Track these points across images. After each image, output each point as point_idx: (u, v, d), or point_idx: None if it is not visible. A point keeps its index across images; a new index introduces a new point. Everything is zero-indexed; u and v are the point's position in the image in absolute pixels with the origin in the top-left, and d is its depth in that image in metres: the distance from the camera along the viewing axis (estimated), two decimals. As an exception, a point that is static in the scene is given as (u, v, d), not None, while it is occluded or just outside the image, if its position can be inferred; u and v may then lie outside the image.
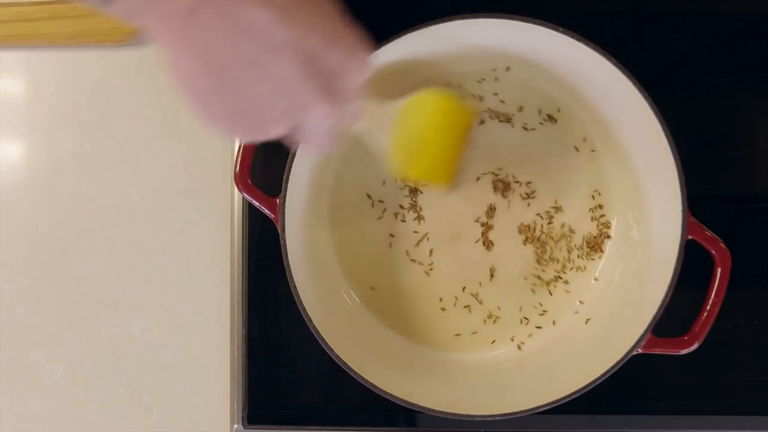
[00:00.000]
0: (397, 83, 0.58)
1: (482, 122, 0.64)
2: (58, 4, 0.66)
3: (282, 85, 0.39)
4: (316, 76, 0.40)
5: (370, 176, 0.65)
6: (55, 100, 0.69)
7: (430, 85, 0.60)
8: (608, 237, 0.64)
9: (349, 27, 0.42)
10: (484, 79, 0.64)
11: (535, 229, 0.64)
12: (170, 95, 0.68)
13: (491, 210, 0.64)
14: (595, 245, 0.64)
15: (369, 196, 0.65)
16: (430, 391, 0.60)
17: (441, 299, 0.65)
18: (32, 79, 0.69)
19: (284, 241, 0.57)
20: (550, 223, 0.64)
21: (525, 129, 0.64)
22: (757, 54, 0.66)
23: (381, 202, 0.65)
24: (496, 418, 0.57)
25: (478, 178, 0.64)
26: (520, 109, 0.64)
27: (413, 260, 0.65)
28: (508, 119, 0.64)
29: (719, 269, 0.57)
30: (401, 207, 0.65)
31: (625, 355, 0.57)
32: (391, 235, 0.65)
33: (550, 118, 0.64)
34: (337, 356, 0.57)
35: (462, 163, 0.63)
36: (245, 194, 0.58)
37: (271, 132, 0.42)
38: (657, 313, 0.57)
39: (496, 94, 0.64)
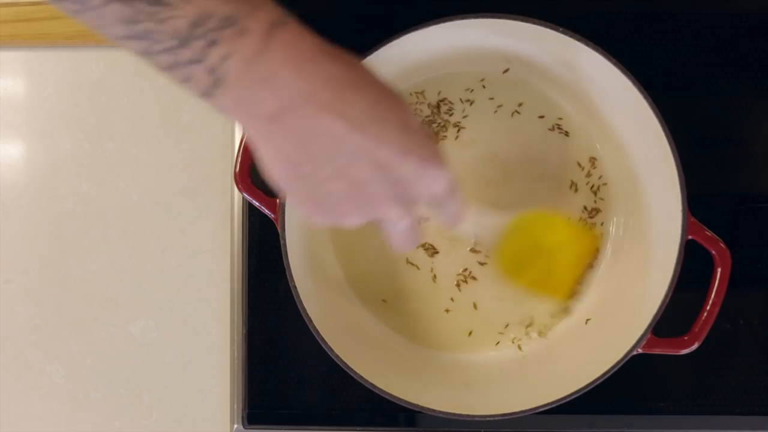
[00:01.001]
0: (397, 83, 0.58)
1: (481, 121, 0.64)
2: (58, 4, 0.66)
3: (354, 187, 0.42)
4: (389, 182, 0.42)
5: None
6: (55, 100, 0.69)
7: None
8: (608, 237, 0.64)
9: (429, 140, 0.44)
10: (483, 79, 0.64)
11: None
12: (170, 95, 0.68)
13: (491, 210, 0.64)
14: (594, 245, 0.64)
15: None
16: (429, 390, 0.60)
17: (441, 300, 0.65)
18: (32, 79, 0.69)
19: (284, 241, 0.57)
20: (550, 223, 0.65)
21: (524, 128, 0.64)
22: (757, 54, 0.66)
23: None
24: (496, 418, 0.57)
25: (477, 179, 0.64)
26: (519, 109, 0.64)
27: (413, 260, 0.65)
28: (506, 118, 0.64)
29: (719, 269, 0.57)
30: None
31: (625, 355, 0.57)
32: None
33: (549, 119, 0.64)
34: (337, 356, 0.57)
35: (578, 284, 0.64)
36: (245, 194, 0.58)
37: (346, 222, 0.45)
38: (657, 313, 0.57)
39: (495, 94, 0.64)
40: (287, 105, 0.39)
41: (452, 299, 0.65)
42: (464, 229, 0.56)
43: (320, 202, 0.44)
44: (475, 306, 0.65)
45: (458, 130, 0.64)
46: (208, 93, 0.39)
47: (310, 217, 0.46)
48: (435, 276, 0.65)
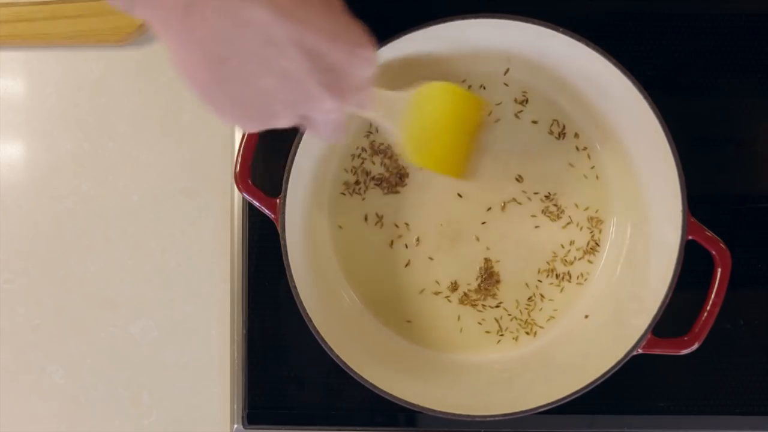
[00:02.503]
0: (398, 83, 0.58)
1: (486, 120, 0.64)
2: (58, 4, 0.66)
3: (285, 80, 0.39)
4: (319, 71, 0.40)
5: (370, 176, 0.65)
6: (55, 100, 0.69)
7: (434, 78, 0.60)
8: (608, 237, 0.64)
9: (354, 23, 0.41)
10: (484, 79, 0.64)
11: (534, 228, 0.64)
12: (170, 95, 0.68)
13: (491, 210, 0.64)
14: (594, 245, 0.64)
15: (369, 196, 0.65)
16: (430, 391, 0.60)
17: (441, 300, 0.65)
18: (32, 79, 0.69)
19: (284, 241, 0.57)
20: (551, 221, 0.64)
21: (524, 129, 0.64)
22: (757, 54, 0.66)
23: (381, 202, 0.65)
24: (496, 418, 0.57)
25: (478, 178, 0.64)
26: (519, 109, 0.64)
27: (413, 260, 0.65)
28: (507, 118, 0.64)
29: (719, 269, 0.57)
30: (403, 205, 0.65)
31: (625, 355, 0.57)
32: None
33: (550, 118, 0.64)
34: (337, 356, 0.57)
35: (474, 155, 0.63)
36: (245, 194, 0.58)
37: (277, 123, 0.43)
38: (657, 313, 0.57)
39: (495, 94, 0.64)
40: None
41: (452, 300, 0.65)
42: (372, 115, 0.54)
43: (248, 104, 0.40)
44: (475, 306, 0.65)
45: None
46: None
47: (239, 124, 0.43)
48: (436, 276, 0.65)
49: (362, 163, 0.64)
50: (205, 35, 0.37)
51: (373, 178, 0.64)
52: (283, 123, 0.43)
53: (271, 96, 0.40)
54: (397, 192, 0.65)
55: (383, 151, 0.64)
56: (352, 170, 0.65)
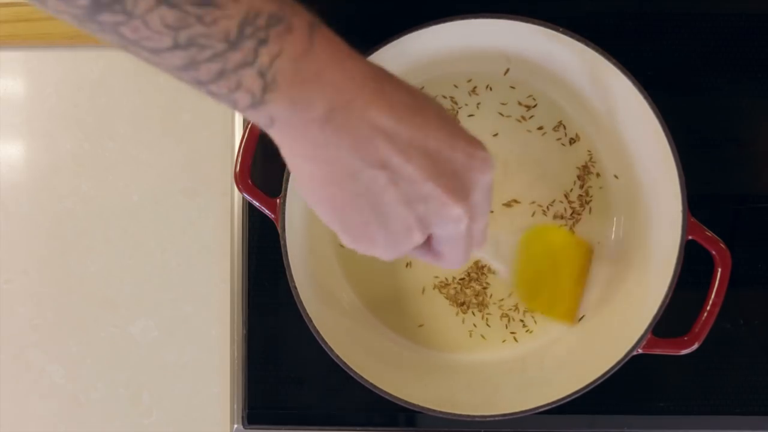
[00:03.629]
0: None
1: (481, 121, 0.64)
2: (58, 4, 0.66)
3: (412, 188, 0.39)
4: (445, 175, 0.40)
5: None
6: (55, 100, 0.69)
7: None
8: (608, 237, 0.64)
9: (462, 128, 0.42)
10: (484, 79, 0.64)
11: (534, 228, 0.64)
12: (170, 95, 0.68)
13: (492, 211, 0.64)
14: (594, 245, 0.65)
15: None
16: (430, 391, 0.60)
17: (441, 300, 0.65)
18: (32, 79, 0.69)
19: (284, 241, 0.57)
20: (550, 221, 0.64)
21: (525, 129, 0.64)
22: (757, 54, 0.66)
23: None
24: (496, 418, 0.57)
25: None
26: (519, 109, 0.64)
27: (413, 260, 0.65)
28: (507, 118, 0.64)
29: (719, 269, 0.57)
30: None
31: (625, 355, 0.57)
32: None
33: (550, 119, 0.64)
34: (337, 356, 0.57)
35: (583, 299, 0.63)
36: (245, 194, 0.58)
37: (416, 242, 0.42)
38: (657, 313, 0.57)
39: (495, 94, 0.64)
40: (338, 102, 0.37)
41: (452, 300, 0.65)
42: (485, 253, 0.56)
43: (381, 223, 0.40)
44: (475, 306, 0.65)
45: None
46: (258, 101, 0.36)
47: (371, 249, 0.42)
48: (435, 277, 0.65)
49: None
50: (339, 147, 0.38)
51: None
52: (417, 239, 0.42)
53: (401, 210, 0.40)
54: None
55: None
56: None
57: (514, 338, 0.64)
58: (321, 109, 0.37)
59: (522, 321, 0.65)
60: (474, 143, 0.41)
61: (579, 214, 0.64)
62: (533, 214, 0.64)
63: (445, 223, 0.42)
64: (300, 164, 0.39)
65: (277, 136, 0.39)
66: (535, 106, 0.64)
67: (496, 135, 0.64)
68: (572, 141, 0.64)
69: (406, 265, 0.65)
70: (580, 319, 0.64)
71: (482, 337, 0.64)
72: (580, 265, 0.63)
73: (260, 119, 0.38)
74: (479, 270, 0.64)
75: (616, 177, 0.64)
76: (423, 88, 0.64)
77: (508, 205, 0.64)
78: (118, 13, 0.33)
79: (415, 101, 0.39)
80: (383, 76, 0.39)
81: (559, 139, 0.64)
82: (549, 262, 0.61)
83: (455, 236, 0.43)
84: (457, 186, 0.40)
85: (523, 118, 0.64)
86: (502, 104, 0.64)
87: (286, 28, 0.35)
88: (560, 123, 0.64)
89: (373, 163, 0.38)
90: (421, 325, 0.65)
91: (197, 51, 0.34)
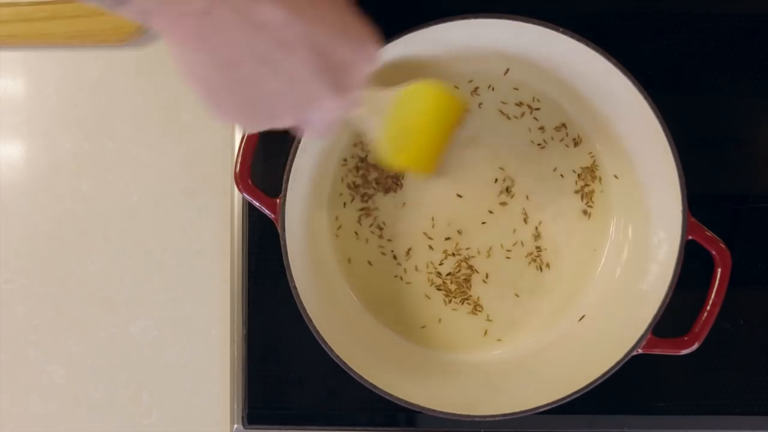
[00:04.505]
0: (397, 83, 0.58)
1: (482, 121, 0.64)
2: (58, 4, 0.66)
3: (293, 81, 0.40)
4: (326, 70, 0.40)
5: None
6: (55, 100, 0.69)
7: (426, 77, 0.60)
8: (608, 237, 0.64)
9: (359, 19, 0.42)
10: (484, 79, 0.64)
11: (534, 228, 0.64)
12: (170, 95, 0.68)
13: (490, 211, 0.64)
14: (594, 245, 0.64)
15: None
16: (430, 391, 0.60)
17: (441, 300, 0.65)
18: (32, 79, 0.69)
19: (284, 241, 0.57)
20: (550, 221, 0.64)
21: (525, 129, 0.64)
22: (757, 54, 0.66)
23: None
24: (496, 418, 0.57)
25: (478, 179, 0.64)
26: (520, 109, 0.64)
27: (414, 262, 0.65)
28: (507, 119, 0.64)
29: (719, 269, 0.57)
30: (402, 206, 0.65)
31: (625, 355, 0.57)
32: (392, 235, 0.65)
33: (550, 119, 0.64)
34: (337, 356, 0.57)
35: (446, 152, 0.63)
36: (245, 194, 0.58)
37: (280, 123, 0.43)
38: (657, 313, 0.57)
39: (495, 94, 0.64)
40: None
41: (452, 299, 0.65)
42: (359, 113, 0.54)
43: (253, 107, 0.41)
44: (474, 306, 0.65)
45: (458, 131, 0.64)
46: None
47: (241, 125, 0.43)
48: (435, 276, 0.65)
49: (362, 164, 0.65)
50: (220, 40, 0.37)
51: (374, 179, 0.64)
52: (284, 123, 0.43)
53: (277, 98, 0.40)
54: (395, 191, 0.65)
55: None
56: (356, 168, 0.65)
57: (514, 338, 0.64)
58: (201, 3, 0.36)
59: (522, 321, 0.65)
60: (364, 35, 0.41)
61: (581, 213, 0.64)
62: (532, 215, 0.64)
63: (317, 112, 0.43)
64: (177, 50, 0.39)
65: (154, 25, 0.38)
66: (538, 110, 0.64)
67: (495, 135, 0.64)
68: (573, 141, 0.64)
69: (406, 261, 0.65)
70: (581, 319, 0.64)
71: (482, 337, 0.64)
72: (450, 119, 0.61)
73: (134, 14, 0.37)
74: (485, 273, 0.64)
75: (616, 177, 0.64)
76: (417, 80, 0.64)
77: (504, 204, 0.64)
78: None
79: None
80: None
81: (560, 139, 0.64)
82: (418, 117, 0.59)
83: (324, 120, 0.44)
84: (337, 80, 0.41)
85: (523, 118, 0.64)
86: (503, 104, 0.64)
87: None
88: (561, 123, 0.64)
89: (254, 57, 0.38)
90: (423, 327, 0.65)
91: None
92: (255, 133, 0.44)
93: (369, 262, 0.65)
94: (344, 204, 0.65)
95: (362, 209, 0.65)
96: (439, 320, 0.65)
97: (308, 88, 0.40)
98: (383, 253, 0.65)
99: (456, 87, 0.64)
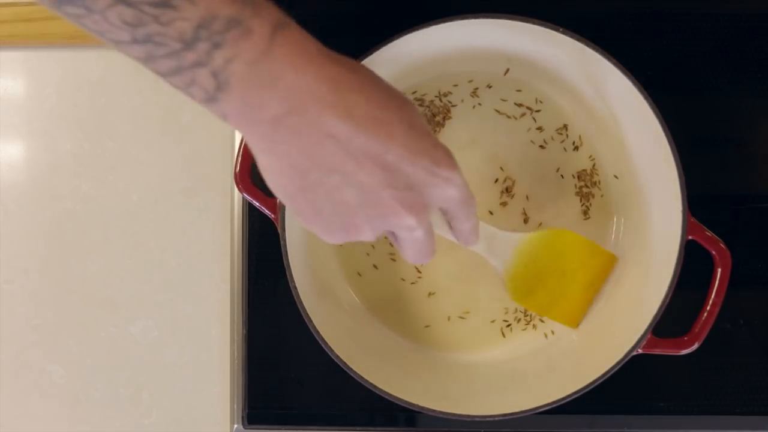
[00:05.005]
0: (398, 83, 0.58)
1: (483, 121, 0.64)
2: (58, 4, 0.66)
3: (364, 194, 0.41)
4: (398, 188, 0.41)
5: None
6: (55, 100, 0.69)
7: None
8: (608, 237, 0.64)
9: (438, 143, 0.43)
10: (484, 79, 0.64)
11: (534, 229, 0.64)
12: (170, 95, 0.68)
13: (490, 212, 0.64)
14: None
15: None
16: (430, 391, 0.60)
17: (441, 300, 0.65)
18: (32, 79, 0.69)
19: (284, 241, 0.57)
20: (549, 221, 0.64)
21: (525, 129, 0.64)
22: (757, 54, 0.66)
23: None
24: (496, 418, 0.57)
25: (478, 179, 0.64)
26: (520, 109, 0.64)
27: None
28: (507, 119, 0.64)
29: (719, 269, 0.57)
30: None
31: (625, 355, 0.57)
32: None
33: (550, 119, 0.64)
34: (337, 356, 0.56)
35: (590, 305, 0.63)
36: (245, 194, 0.58)
37: (360, 236, 0.44)
38: (657, 313, 0.57)
39: (495, 95, 0.64)
40: (291, 107, 0.38)
41: (452, 299, 0.65)
42: (476, 248, 0.56)
43: (330, 216, 0.42)
44: (475, 306, 0.65)
45: (458, 131, 0.64)
46: (211, 98, 0.38)
47: (322, 234, 0.44)
48: (435, 276, 0.65)
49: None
50: (290, 147, 0.39)
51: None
52: (366, 237, 0.44)
53: (352, 209, 0.42)
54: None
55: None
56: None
57: (514, 339, 0.64)
58: (272, 112, 0.38)
59: (522, 322, 0.65)
60: (439, 161, 0.42)
61: (581, 214, 0.64)
62: (532, 215, 0.64)
63: (399, 229, 0.43)
64: (255, 152, 0.41)
65: (233, 126, 0.41)
66: (538, 110, 0.64)
67: (495, 135, 0.64)
68: (573, 142, 0.64)
69: (407, 265, 0.65)
70: (586, 322, 0.64)
71: (482, 337, 0.64)
72: (593, 271, 0.62)
73: (215, 113, 0.40)
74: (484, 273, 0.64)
75: (616, 177, 0.64)
76: (423, 90, 0.64)
77: (504, 204, 0.64)
78: (79, 6, 0.36)
79: (382, 114, 0.40)
80: (351, 83, 0.40)
81: (561, 140, 0.64)
82: (554, 263, 0.60)
83: (410, 241, 0.45)
84: (411, 198, 0.42)
85: (523, 118, 0.64)
86: (503, 103, 0.64)
87: (243, 32, 0.37)
88: (560, 123, 0.64)
89: (322, 166, 0.40)
90: (427, 326, 0.65)
91: (154, 47, 0.37)
92: (332, 242, 0.46)
93: (369, 262, 0.65)
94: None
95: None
96: (440, 320, 0.65)
97: (380, 201, 0.41)
98: (384, 253, 0.65)
99: (455, 86, 0.64)
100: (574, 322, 0.63)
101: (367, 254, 0.65)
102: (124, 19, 0.36)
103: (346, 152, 0.40)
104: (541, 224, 0.64)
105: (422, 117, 0.44)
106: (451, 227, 0.49)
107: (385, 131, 0.40)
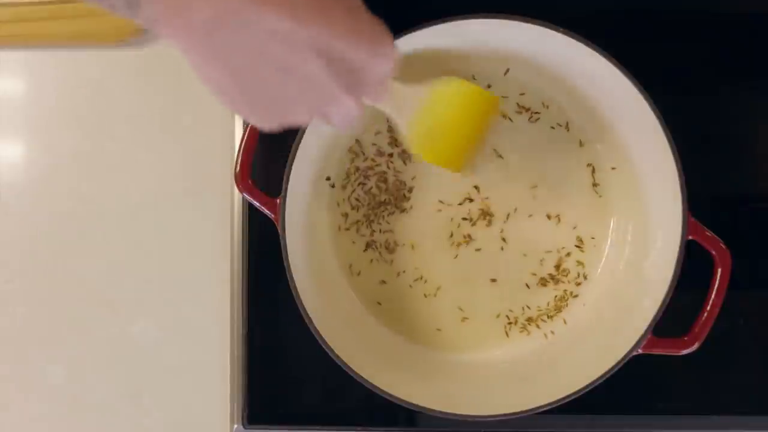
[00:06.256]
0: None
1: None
2: (58, 4, 0.66)
3: (307, 85, 0.41)
4: (340, 74, 0.41)
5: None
6: (55, 100, 0.69)
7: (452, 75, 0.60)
8: (608, 237, 0.64)
9: (374, 20, 0.42)
10: (484, 79, 0.64)
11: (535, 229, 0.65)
12: (170, 95, 0.68)
13: (490, 214, 0.64)
14: (594, 245, 0.64)
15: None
16: (430, 391, 0.60)
17: (441, 300, 0.65)
18: (32, 79, 0.69)
19: (284, 241, 0.57)
20: (550, 221, 0.64)
21: (525, 129, 0.64)
22: (757, 54, 0.66)
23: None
24: (496, 418, 0.57)
25: (478, 179, 0.64)
26: (519, 110, 0.64)
27: (414, 262, 0.65)
28: (507, 118, 0.64)
29: (719, 269, 0.57)
30: (404, 199, 0.65)
31: (625, 355, 0.57)
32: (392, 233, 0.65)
33: (550, 119, 0.64)
34: (337, 356, 0.57)
35: (478, 150, 0.63)
36: (245, 194, 0.58)
37: (297, 122, 0.44)
38: (657, 313, 0.57)
39: (495, 93, 0.64)
40: (225, 10, 0.37)
41: (452, 300, 0.65)
42: (385, 107, 0.55)
43: (271, 108, 0.42)
44: (475, 306, 0.65)
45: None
46: (134, 2, 0.37)
47: (259, 125, 0.44)
48: (435, 276, 0.65)
49: (363, 163, 0.65)
50: (229, 51, 0.38)
51: (378, 180, 0.64)
52: (302, 121, 0.44)
53: (293, 101, 0.42)
54: (400, 193, 0.65)
55: (387, 153, 0.64)
56: (354, 170, 0.65)
57: (515, 339, 0.64)
58: (203, 15, 0.37)
59: (522, 322, 0.65)
60: (378, 39, 0.42)
61: (578, 214, 0.64)
62: (531, 216, 0.64)
63: (337, 109, 0.44)
64: (189, 56, 0.40)
65: (164, 35, 0.39)
66: (538, 111, 0.64)
67: (495, 135, 0.64)
68: (573, 142, 0.64)
69: (406, 261, 0.65)
70: (586, 322, 0.64)
71: (483, 337, 0.64)
72: (482, 118, 0.61)
73: (143, 22, 0.38)
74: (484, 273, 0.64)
75: (615, 177, 0.64)
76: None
77: (506, 204, 0.64)
78: None
79: (321, 1, 0.39)
80: None
81: (558, 139, 0.64)
82: (451, 115, 0.59)
83: (344, 115, 0.45)
84: (352, 82, 0.42)
85: (523, 118, 0.64)
86: (503, 104, 0.64)
87: None
88: (561, 123, 0.64)
89: (265, 65, 0.39)
90: (428, 326, 0.65)
91: None
92: (265, 131, 0.45)
93: (370, 262, 0.65)
94: (344, 203, 0.65)
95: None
96: (440, 320, 0.65)
97: (323, 89, 0.41)
98: (384, 254, 0.65)
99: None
100: (464, 168, 0.62)
101: (369, 255, 0.65)
102: None
103: (290, 48, 0.39)
104: (540, 225, 0.64)
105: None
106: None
107: (326, 19, 0.39)
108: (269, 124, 0.44)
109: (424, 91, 0.56)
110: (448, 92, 0.58)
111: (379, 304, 0.65)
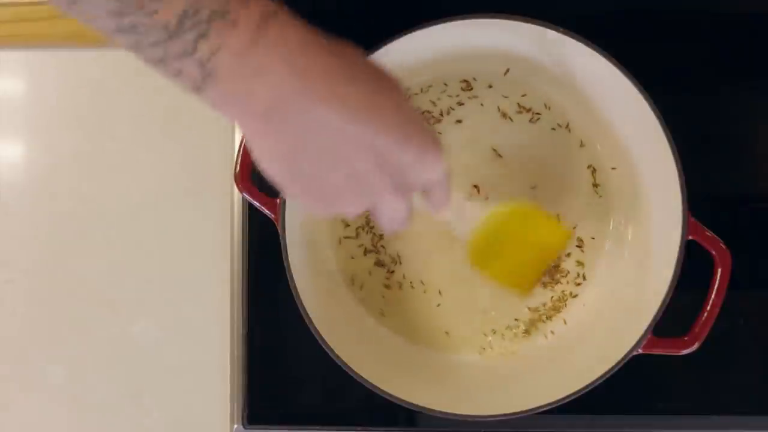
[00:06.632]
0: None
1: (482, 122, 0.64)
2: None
3: (355, 179, 0.42)
4: (387, 172, 0.42)
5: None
6: (55, 100, 0.69)
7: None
8: (607, 237, 0.64)
9: (425, 127, 0.44)
10: (484, 79, 0.64)
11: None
12: (170, 95, 0.68)
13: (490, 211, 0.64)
14: (594, 246, 0.64)
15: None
16: (430, 391, 0.60)
17: (441, 299, 0.65)
18: (32, 79, 0.69)
19: (284, 241, 0.57)
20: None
21: (525, 129, 0.64)
22: (757, 54, 0.66)
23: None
24: (496, 418, 0.57)
25: (478, 179, 0.64)
26: (520, 109, 0.64)
27: (414, 262, 0.65)
28: (507, 119, 0.64)
29: (719, 269, 0.57)
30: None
31: (625, 355, 0.57)
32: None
33: (550, 119, 0.64)
34: (337, 356, 0.57)
35: (538, 278, 0.64)
36: (245, 194, 0.58)
37: (347, 212, 0.45)
38: (657, 313, 0.57)
39: (496, 94, 0.64)
40: (281, 99, 0.39)
41: (452, 300, 0.65)
42: (445, 217, 0.56)
43: (320, 195, 0.43)
44: (475, 306, 0.65)
45: (459, 131, 0.64)
46: (198, 87, 0.39)
47: (309, 209, 0.45)
48: (435, 276, 0.65)
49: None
50: (282, 137, 0.40)
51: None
52: (351, 212, 0.45)
53: (342, 190, 0.43)
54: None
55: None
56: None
57: (515, 340, 0.64)
58: (261, 104, 0.39)
59: (522, 322, 0.65)
60: (427, 147, 0.43)
61: (577, 215, 0.64)
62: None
63: (386, 206, 0.45)
64: (248, 140, 0.42)
65: (225, 116, 0.41)
66: (539, 111, 0.64)
67: (495, 135, 0.64)
68: (572, 142, 0.64)
69: (406, 260, 0.65)
70: (586, 323, 0.64)
71: (483, 338, 0.64)
72: (547, 245, 0.62)
73: (205, 102, 0.40)
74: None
75: (615, 177, 0.64)
76: (423, 90, 0.64)
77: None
78: None
79: (372, 97, 0.41)
80: (342, 72, 0.40)
81: (558, 139, 0.64)
82: (513, 235, 0.60)
83: (391, 215, 0.46)
84: (400, 182, 0.43)
85: (523, 118, 0.64)
86: (503, 103, 0.64)
87: (229, 23, 0.37)
88: (560, 123, 0.64)
89: (314, 153, 0.41)
90: (428, 326, 0.65)
91: (139, 37, 0.38)
92: (320, 217, 0.47)
93: (370, 262, 0.65)
94: (344, 204, 0.65)
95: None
96: (440, 320, 0.65)
97: (371, 185, 0.43)
98: (386, 254, 0.65)
99: (455, 86, 0.64)
100: (526, 291, 0.63)
101: (370, 256, 0.65)
102: (109, 8, 0.36)
103: (339, 141, 0.40)
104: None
105: (409, 98, 0.44)
106: (424, 196, 0.50)
107: (377, 118, 0.41)
108: (321, 211, 0.45)
109: (482, 209, 0.58)
110: (517, 214, 0.59)
111: (379, 303, 0.65)
